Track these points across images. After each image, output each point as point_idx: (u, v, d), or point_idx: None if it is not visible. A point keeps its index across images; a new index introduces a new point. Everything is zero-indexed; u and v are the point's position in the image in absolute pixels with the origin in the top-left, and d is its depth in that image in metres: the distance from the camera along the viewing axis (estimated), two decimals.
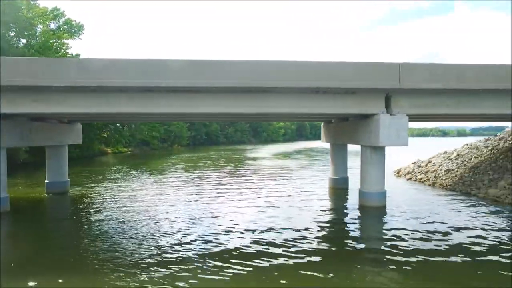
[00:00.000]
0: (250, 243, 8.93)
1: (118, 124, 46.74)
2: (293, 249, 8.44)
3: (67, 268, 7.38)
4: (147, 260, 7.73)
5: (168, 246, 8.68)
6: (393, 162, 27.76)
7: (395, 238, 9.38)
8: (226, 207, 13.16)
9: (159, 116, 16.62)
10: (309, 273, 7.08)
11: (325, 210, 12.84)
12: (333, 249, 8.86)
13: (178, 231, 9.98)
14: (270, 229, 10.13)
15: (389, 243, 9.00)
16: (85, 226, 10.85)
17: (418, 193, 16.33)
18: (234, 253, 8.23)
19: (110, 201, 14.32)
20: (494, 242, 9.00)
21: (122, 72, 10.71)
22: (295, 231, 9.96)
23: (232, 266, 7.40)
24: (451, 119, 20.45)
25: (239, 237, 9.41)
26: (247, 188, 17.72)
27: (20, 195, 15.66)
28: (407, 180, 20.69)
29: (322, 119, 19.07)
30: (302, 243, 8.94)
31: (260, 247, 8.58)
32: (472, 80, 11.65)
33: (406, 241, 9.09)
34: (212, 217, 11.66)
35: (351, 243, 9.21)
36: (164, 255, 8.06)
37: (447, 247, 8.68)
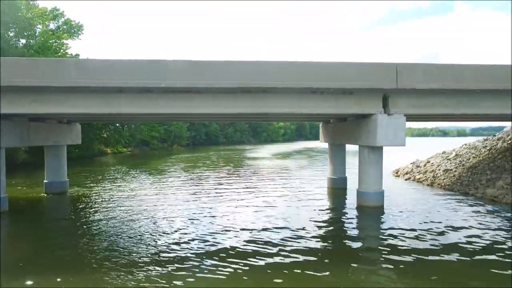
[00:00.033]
0: (247, 242, 8.98)
1: (117, 124, 46.76)
2: (290, 248, 8.49)
3: (65, 268, 7.42)
4: (145, 260, 7.78)
5: (166, 246, 8.73)
6: (392, 162, 27.84)
7: (392, 237, 9.43)
8: (224, 207, 13.21)
9: (159, 116, 16.68)
10: (305, 272, 7.12)
11: (322, 210, 12.88)
12: (330, 248, 8.93)
13: (176, 231, 10.03)
14: (268, 229, 10.18)
15: (385, 242, 9.06)
16: (84, 226, 10.89)
17: (416, 193, 16.38)
18: (231, 252, 8.28)
19: (109, 201, 14.37)
20: (490, 241, 9.05)
21: (122, 73, 10.74)
22: (292, 230, 10.02)
23: (229, 265, 7.45)
24: (449, 119, 20.50)
25: (237, 237, 9.46)
26: (246, 188, 17.77)
27: (19, 195, 15.71)
28: (406, 180, 20.75)
29: (320, 119, 19.12)
30: (299, 242, 8.99)
31: (257, 246, 8.63)
32: (470, 80, 11.68)
33: (403, 240, 9.14)
34: (210, 216, 11.71)
35: (347, 242, 9.27)
36: (162, 254, 8.11)
37: (443, 246, 8.73)
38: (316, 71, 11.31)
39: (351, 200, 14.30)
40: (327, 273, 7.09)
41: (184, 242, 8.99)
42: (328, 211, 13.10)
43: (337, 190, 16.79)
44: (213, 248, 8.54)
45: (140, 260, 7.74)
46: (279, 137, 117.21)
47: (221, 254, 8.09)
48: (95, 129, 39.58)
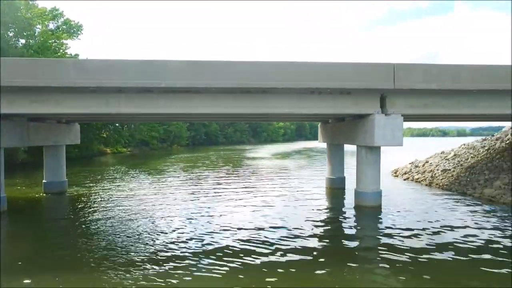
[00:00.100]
0: (244, 241, 9.03)
1: (117, 124, 46.84)
2: (286, 248, 8.54)
3: (64, 267, 7.47)
4: (142, 259, 7.83)
5: (163, 245, 8.78)
6: (392, 162, 27.90)
7: (388, 236, 9.49)
8: (222, 207, 13.26)
9: (158, 116, 16.72)
10: (301, 271, 7.18)
11: (320, 210, 12.93)
12: (326, 247, 8.98)
13: (174, 230, 10.08)
14: (265, 228, 10.23)
15: (382, 242, 9.12)
16: (83, 226, 10.95)
17: (414, 193, 16.43)
18: (227, 251, 8.34)
19: (108, 201, 14.42)
20: (486, 241, 9.10)
21: (121, 73, 10.79)
22: (289, 230, 10.08)
23: (226, 264, 7.51)
24: (447, 119, 20.57)
25: (234, 236, 9.51)
26: (244, 187, 17.82)
27: (18, 195, 15.76)
28: (404, 180, 20.79)
29: (319, 119, 19.17)
30: (296, 241, 9.04)
31: (254, 246, 8.68)
32: (467, 81, 11.73)
33: (399, 239, 9.19)
34: (208, 216, 11.76)
35: (344, 242, 9.32)
36: (159, 253, 8.16)
37: (439, 245, 8.77)
38: (315, 71, 11.36)
39: (349, 200, 14.35)
40: (323, 271, 7.15)
41: (182, 241, 9.04)
42: (326, 210, 13.15)
43: (336, 190, 16.84)
44: (210, 247, 8.59)
45: (137, 259, 7.79)
46: (279, 137, 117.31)
47: (218, 253, 8.15)
48: (95, 129, 39.66)
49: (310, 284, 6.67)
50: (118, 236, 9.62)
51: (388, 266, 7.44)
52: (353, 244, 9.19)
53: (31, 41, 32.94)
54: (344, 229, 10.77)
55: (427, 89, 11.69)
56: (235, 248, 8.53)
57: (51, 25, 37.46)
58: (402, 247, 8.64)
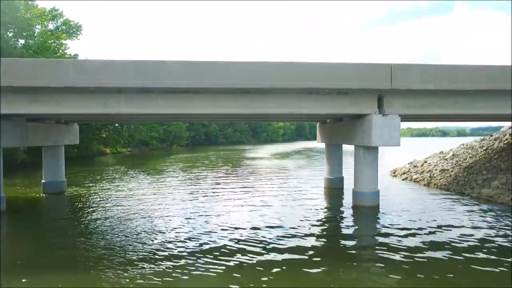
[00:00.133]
0: (241, 241, 9.08)
1: (117, 125, 46.90)
2: (283, 247, 8.60)
3: (62, 267, 7.53)
4: (140, 258, 7.88)
5: (161, 244, 8.83)
6: (391, 162, 27.97)
7: (385, 236, 9.55)
8: (220, 206, 13.31)
9: (158, 116, 16.76)
10: (297, 269, 7.22)
11: (318, 210, 12.97)
12: (323, 247, 9.03)
13: (172, 230, 10.14)
14: (262, 228, 10.29)
15: (379, 241, 9.18)
16: (81, 225, 11.00)
17: (412, 193, 16.48)
18: (224, 250, 8.39)
19: (107, 201, 14.47)
20: (481, 240, 9.16)
21: (121, 73, 10.83)
22: (286, 229, 10.13)
23: (223, 263, 7.56)
24: (444, 119, 20.63)
25: (231, 235, 9.56)
26: (243, 187, 17.87)
27: (17, 195, 15.82)
28: (403, 180, 20.84)
29: (317, 119, 19.22)
30: (292, 241, 9.10)
31: (251, 245, 8.72)
32: (464, 81, 11.78)
33: (396, 239, 9.24)
34: (206, 216, 11.81)
35: (341, 241, 9.36)
36: (157, 253, 8.21)
37: (435, 244, 8.83)
38: (312, 71, 11.41)
39: (347, 200, 14.40)
40: (319, 270, 7.20)
41: (180, 241, 9.10)
42: (323, 210, 13.20)
43: (334, 190, 16.89)
44: (207, 247, 8.65)
45: (135, 258, 7.84)
46: (279, 137, 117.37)
47: (215, 253, 8.20)
48: (94, 129, 39.72)
49: (306, 283, 6.73)
50: (116, 235, 9.67)
51: (384, 265, 7.50)
52: (350, 243, 9.24)
53: (30, 41, 33.01)
54: (341, 228, 10.82)
55: (424, 90, 11.74)
56: (232, 248, 8.58)
57: (51, 25, 37.54)
58: (399, 246, 8.69)
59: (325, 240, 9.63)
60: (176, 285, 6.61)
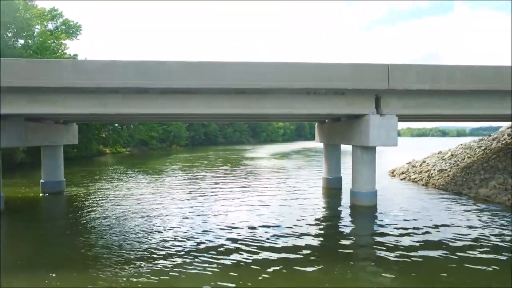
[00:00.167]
0: (239, 240, 9.13)
1: (116, 124, 46.90)
2: (279, 246, 8.65)
3: (61, 266, 7.56)
4: (137, 257, 7.92)
5: (158, 243, 8.88)
6: (389, 162, 28.01)
7: (381, 235, 9.59)
8: (218, 206, 13.36)
9: (156, 116, 16.79)
10: (293, 268, 7.27)
11: (315, 209, 13.01)
12: (319, 246, 9.07)
13: (169, 229, 10.18)
14: (259, 227, 10.33)
15: (375, 240, 9.22)
16: (79, 225, 11.03)
17: (410, 193, 16.51)
18: (221, 249, 8.44)
19: (105, 200, 14.51)
20: (476, 239, 9.22)
21: (119, 73, 10.86)
22: (283, 228, 10.18)
23: (219, 262, 7.61)
24: (442, 119, 20.66)
25: (229, 235, 9.60)
26: (241, 187, 17.91)
27: (16, 195, 15.85)
28: (401, 180, 20.88)
29: (316, 120, 19.26)
30: (289, 240, 9.15)
31: (247, 244, 8.77)
32: (462, 81, 11.81)
33: (392, 238, 9.28)
34: (203, 215, 11.85)
35: (337, 240, 9.38)
36: (154, 252, 8.25)
37: (430, 243, 8.89)
38: (310, 71, 11.44)
39: (345, 200, 14.44)
40: (315, 269, 7.25)
41: (177, 240, 9.14)
42: (321, 210, 13.23)
43: (332, 190, 16.92)
44: (204, 246, 8.69)
45: (132, 257, 7.88)
46: (279, 137, 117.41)
47: (211, 252, 8.25)
48: (94, 129, 39.74)
49: (302, 282, 6.77)
50: (114, 235, 9.71)
51: (379, 265, 7.54)
52: (346, 242, 9.28)
53: (30, 41, 33.05)
54: (338, 228, 10.86)
55: (422, 90, 11.77)
56: (229, 247, 8.62)
57: (50, 26, 37.60)
58: (394, 245, 8.73)
59: (321, 239, 9.68)
60: (173, 284, 6.66)
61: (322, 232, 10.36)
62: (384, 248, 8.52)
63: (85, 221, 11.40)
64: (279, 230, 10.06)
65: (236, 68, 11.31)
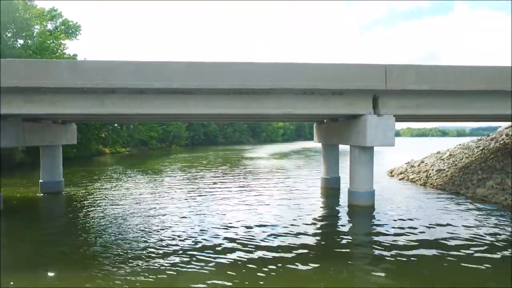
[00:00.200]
0: (236, 239, 9.17)
1: (116, 124, 46.96)
2: (276, 245, 8.70)
3: (59, 265, 7.63)
4: (135, 256, 7.97)
5: (155, 242, 8.92)
6: (388, 162, 28.06)
7: (378, 235, 9.64)
8: (216, 205, 13.40)
9: (156, 116, 16.83)
10: (290, 268, 7.32)
11: (313, 209, 13.05)
12: (315, 245, 9.10)
13: (167, 228, 10.23)
14: (257, 226, 10.38)
15: (371, 240, 9.27)
16: (78, 225, 11.07)
17: (408, 193, 16.55)
18: (218, 248, 8.49)
19: (104, 200, 14.55)
20: (472, 238, 9.26)
21: (118, 74, 10.89)
22: (281, 228, 10.23)
23: (216, 261, 7.66)
24: (440, 119, 20.70)
25: (226, 234, 9.65)
26: (240, 187, 17.96)
27: (15, 195, 15.88)
28: (400, 180, 20.93)
29: (314, 120, 19.30)
30: (286, 239, 9.19)
31: (244, 243, 8.82)
32: (459, 82, 11.84)
33: (388, 237, 9.33)
34: (201, 215, 11.90)
35: (333, 240, 9.43)
36: (152, 251, 8.30)
37: (426, 242, 8.94)
38: (308, 72, 11.48)
39: (343, 200, 14.49)
40: (311, 268, 7.29)
41: (174, 239, 9.19)
42: (319, 210, 13.28)
43: (330, 190, 16.97)
44: (201, 245, 8.74)
45: (130, 256, 7.93)
46: (279, 137, 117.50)
47: (209, 251, 8.29)
48: (93, 129, 39.79)
49: (298, 281, 6.81)
50: (113, 234, 9.75)
51: (375, 263, 7.59)
52: (343, 242, 9.33)
53: (29, 41, 33.08)
54: (335, 227, 10.91)
55: (419, 90, 11.82)
56: (226, 246, 8.67)
57: (50, 26, 37.64)
58: (391, 244, 8.78)
59: (318, 238, 9.72)
60: (170, 283, 6.71)
61: (319, 231, 10.40)
62: (381, 247, 8.57)
63: (84, 220, 11.44)
64: (276, 229, 10.11)
65: (235, 69, 11.35)
